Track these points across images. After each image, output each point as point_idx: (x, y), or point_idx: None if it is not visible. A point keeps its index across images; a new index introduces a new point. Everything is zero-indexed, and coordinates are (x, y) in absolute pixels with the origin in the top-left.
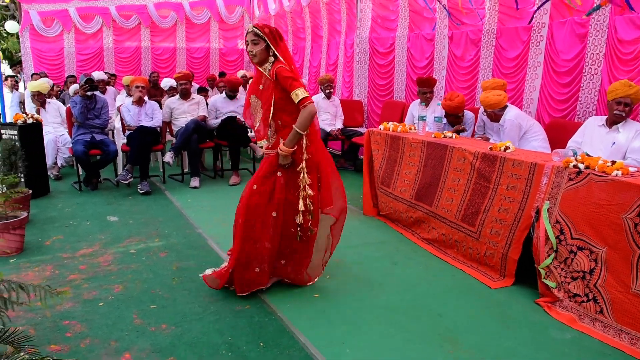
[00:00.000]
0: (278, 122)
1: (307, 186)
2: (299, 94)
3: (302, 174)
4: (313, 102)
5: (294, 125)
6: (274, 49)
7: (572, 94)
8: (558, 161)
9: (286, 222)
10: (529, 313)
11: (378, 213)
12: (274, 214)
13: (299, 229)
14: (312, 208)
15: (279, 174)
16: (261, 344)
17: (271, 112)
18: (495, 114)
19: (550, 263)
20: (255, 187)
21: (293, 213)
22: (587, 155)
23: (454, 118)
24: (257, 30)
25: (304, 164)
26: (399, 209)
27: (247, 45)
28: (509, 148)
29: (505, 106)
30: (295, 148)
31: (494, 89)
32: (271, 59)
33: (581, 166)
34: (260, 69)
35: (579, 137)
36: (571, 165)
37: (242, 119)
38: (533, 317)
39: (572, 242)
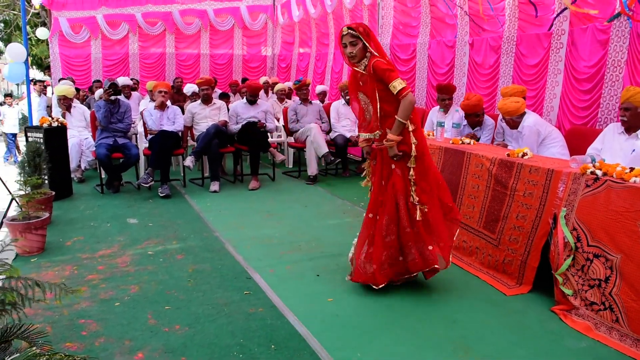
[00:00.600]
0: (382, 112)
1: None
2: (396, 85)
3: (411, 162)
4: (411, 91)
5: (396, 116)
6: (368, 45)
7: (593, 101)
8: (576, 168)
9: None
10: (545, 321)
11: None
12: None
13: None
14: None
15: (392, 166)
16: (272, 346)
17: (378, 104)
18: (513, 121)
19: (568, 268)
20: (383, 183)
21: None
22: (605, 162)
23: (473, 118)
24: (353, 31)
25: (414, 151)
26: None
27: (344, 47)
28: (527, 154)
29: (524, 113)
30: (400, 137)
31: (513, 96)
32: (368, 54)
33: (599, 173)
34: (357, 67)
35: (598, 144)
36: (589, 171)
37: (263, 123)
38: (548, 325)
39: (589, 249)
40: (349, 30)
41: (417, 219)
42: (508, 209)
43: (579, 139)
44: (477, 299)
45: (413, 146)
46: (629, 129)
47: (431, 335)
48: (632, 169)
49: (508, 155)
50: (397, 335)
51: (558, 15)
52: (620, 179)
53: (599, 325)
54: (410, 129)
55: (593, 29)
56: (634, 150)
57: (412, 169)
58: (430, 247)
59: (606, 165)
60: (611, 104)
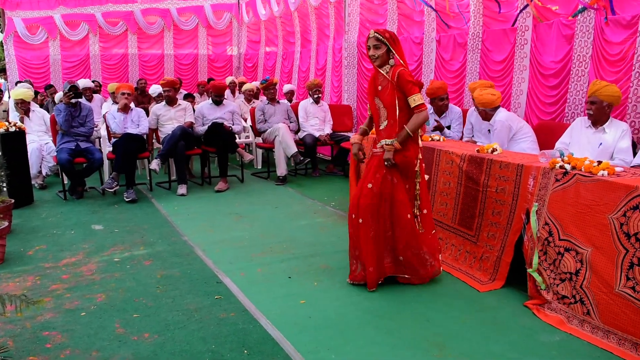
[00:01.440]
0: (400, 120)
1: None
2: (416, 99)
3: (416, 176)
4: (427, 110)
5: (405, 126)
6: (394, 51)
7: (560, 97)
8: (545, 162)
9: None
10: (518, 316)
11: None
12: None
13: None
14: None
15: (395, 180)
16: (245, 351)
17: (397, 112)
18: (486, 113)
19: (540, 262)
20: (370, 186)
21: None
22: (573, 155)
23: (438, 102)
24: (379, 35)
25: (418, 165)
26: None
27: (368, 49)
28: (496, 150)
29: (497, 107)
30: (400, 147)
31: (486, 88)
32: (391, 61)
33: (567, 167)
34: (380, 71)
35: (566, 138)
36: (557, 166)
37: (229, 125)
38: (522, 320)
39: (560, 243)
40: (375, 34)
41: (420, 230)
42: (483, 205)
43: (547, 134)
44: (451, 296)
45: (418, 162)
46: (596, 122)
47: (405, 334)
48: (599, 162)
49: (478, 151)
50: (372, 336)
51: (521, 11)
52: (589, 172)
53: (571, 319)
54: (420, 144)
55: (558, 24)
56: (600, 143)
57: (418, 184)
58: (427, 257)
59: (574, 159)
60: (577, 98)
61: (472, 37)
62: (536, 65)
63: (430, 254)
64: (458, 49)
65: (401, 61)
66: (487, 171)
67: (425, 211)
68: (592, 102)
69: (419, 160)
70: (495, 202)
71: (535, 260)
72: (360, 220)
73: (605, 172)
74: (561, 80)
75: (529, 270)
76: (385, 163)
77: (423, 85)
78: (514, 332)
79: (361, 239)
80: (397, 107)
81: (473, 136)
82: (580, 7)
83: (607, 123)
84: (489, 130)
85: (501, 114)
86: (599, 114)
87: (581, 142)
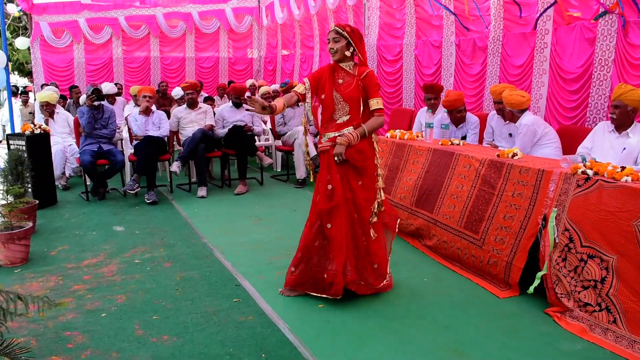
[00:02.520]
0: (364, 117)
1: (381, 190)
2: (378, 102)
3: (379, 180)
4: (384, 116)
5: (364, 124)
6: (355, 47)
7: (581, 101)
8: (566, 167)
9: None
10: (538, 324)
11: None
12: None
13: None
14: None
15: (360, 182)
16: (263, 355)
17: (361, 107)
18: (513, 114)
19: (560, 269)
20: (330, 187)
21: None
22: (596, 161)
23: (456, 114)
24: (338, 29)
25: (379, 170)
26: (400, 216)
27: (329, 42)
28: (517, 155)
29: (525, 109)
30: (357, 142)
31: (516, 89)
32: (351, 55)
33: (590, 172)
34: (341, 65)
35: (588, 143)
36: (579, 171)
37: (250, 126)
38: (542, 328)
39: (582, 250)
40: (335, 27)
41: (373, 237)
42: (494, 209)
43: (569, 138)
44: (470, 303)
45: (379, 167)
46: (619, 127)
47: (424, 341)
48: (623, 168)
49: (498, 155)
50: (389, 342)
51: (542, 13)
52: (612, 178)
53: (594, 327)
54: (377, 149)
55: (580, 27)
56: (624, 148)
57: (381, 190)
58: (376, 266)
59: (597, 165)
60: (600, 103)
61: (493, 41)
62: (556, 69)
63: (381, 265)
64: (478, 53)
65: (361, 58)
66: (505, 176)
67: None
68: (616, 106)
69: (379, 165)
70: (509, 206)
71: (546, 265)
72: (329, 225)
73: (629, 178)
74: (582, 85)
75: (538, 273)
76: (335, 159)
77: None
78: (535, 340)
79: (333, 243)
80: (362, 104)
81: (493, 140)
82: (601, 10)
83: (630, 127)
84: (510, 134)
85: (527, 117)
86: (623, 119)
87: (604, 147)
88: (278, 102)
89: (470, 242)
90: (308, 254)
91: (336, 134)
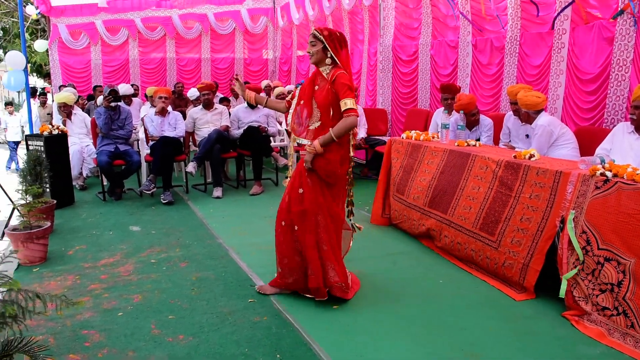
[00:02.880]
0: (334, 123)
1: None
2: (347, 102)
3: (349, 187)
4: (357, 116)
5: (330, 129)
6: (332, 52)
7: (598, 102)
8: (585, 169)
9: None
10: (555, 327)
11: (389, 223)
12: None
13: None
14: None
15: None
16: (278, 356)
17: (331, 112)
18: (529, 115)
19: (578, 272)
20: (301, 191)
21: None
22: (615, 162)
23: (469, 117)
24: (316, 32)
25: (351, 175)
26: (412, 216)
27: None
28: (534, 156)
29: (541, 110)
30: (322, 150)
31: (531, 90)
32: (329, 61)
33: (609, 174)
34: (320, 70)
35: (607, 144)
36: (598, 173)
37: (265, 127)
38: (559, 331)
39: (600, 252)
40: (313, 31)
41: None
42: (511, 211)
43: (587, 139)
44: (486, 305)
45: (350, 170)
46: (637, 128)
47: (439, 343)
48: None
49: (515, 157)
50: (404, 343)
51: (560, 13)
52: (632, 180)
53: (612, 331)
54: (351, 153)
55: (599, 26)
56: None
57: (351, 193)
58: (335, 267)
59: (616, 166)
60: (618, 104)
61: (510, 41)
62: (573, 70)
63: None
64: (495, 53)
65: (340, 64)
66: (522, 177)
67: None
68: (636, 106)
69: (350, 169)
70: (526, 208)
71: (574, 271)
72: (296, 228)
73: None
74: (600, 85)
75: (563, 276)
76: (304, 164)
77: (357, 90)
78: (552, 343)
79: (306, 246)
80: (332, 109)
81: (510, 141)
82: (619, 9)
83: None
84: (526, 135)
85: (543, 118)
86: None
87: (623, 148)
88: (262, 98)
89: (486, 244)
90: (284, 253)
91: (305, 142)
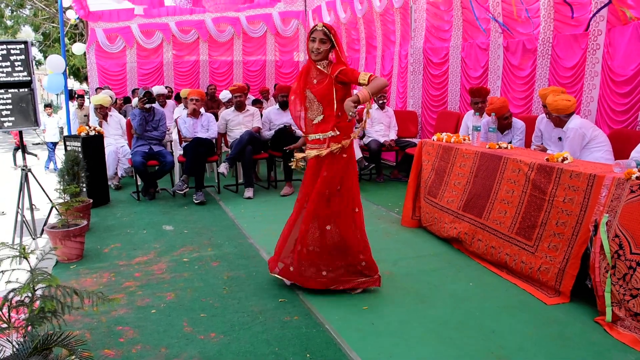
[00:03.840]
0: (338, 112)
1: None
2: (363, 75)
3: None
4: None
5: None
6: (338, 49)
7: (632, 104)
8: (619, 172)
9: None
10: (588, 332)
11: (419, 225)
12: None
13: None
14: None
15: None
16: (308, 355)
17: (335, 104)
18: (560, 119)
19: (611, 284)
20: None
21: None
22: None
23: (502, 121)
24: (327, 31)
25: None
26: (444, 219)
27: (313, 41)
28: (567, 159)
29: (572, 113)
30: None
31: (561, 94)
32: (329, 57)
33: None
34: (317, 65)
35: None
36: (634, 177)
37: (294, 129)
38: (592, 336)
39: (632, 257)
40: (323, 28)
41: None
42: (547, 215)
43: (622, 142)
44: (516, 308)
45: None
46: None
47: (469, 346)
48: None
49: (547, 160)
50: (434, 346)
51: (595, 14)
52: None
53: None
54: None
55: (636, 26)
56: None
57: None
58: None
59: None
60: None
61: (542, 43)
62: (608, 72)
63: None
64: (527, 55)
65: (342, 59)
66: (556, 180)
67: (328, 227)
68: None
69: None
70: (561, 212)
71: (608, 284)
72: (329, 227)
73: None
74: (634, 87)
75: (605, 291)
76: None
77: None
78: (584, 349)
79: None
80: (335, 100)
81: (542, 143)
82: None
83: None
84: (559, 138)
85: (575, 121)
86: None
87: None
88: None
89: (522, 249)
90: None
91: (318, 136)
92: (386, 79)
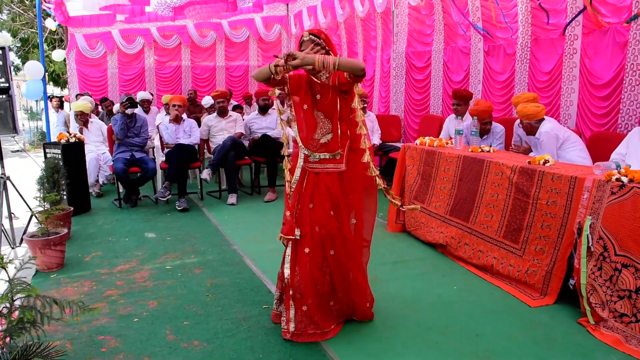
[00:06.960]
0: (341, 129)
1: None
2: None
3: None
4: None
5: (338, 55)
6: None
7: (611, 108)
8: (600, 174)
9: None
10: (572, 334)
11: (403, 229)
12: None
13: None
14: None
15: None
16: None
17: (338, 121)
18: (531, 126)
19: (595, 278)
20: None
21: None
22: (630, 168)
23: (482, 125)
24: (314, 37)
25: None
26: (430, 224)
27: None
28: (548, 162)
29: (542, 119)
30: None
31: (530, 101)
32: None
33: (624, 179)
34: (314, 79)
35: (622, 149)
36: (614, 178)
37: (274, 136)
38: (576, 338)
39: (617, 259)
40: (310, 36)
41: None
42: (531, 218)
43: (602, 144)
44: (501, 312)
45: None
46: None
47: (454, 349)
48: None
49: (529, 162)
50: (420, 350)
51: (571, 21)
52: None
53: (630, 338)
54: (364, 132)
55: (612, 31)
56: None
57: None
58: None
59: (632, 172)
60: (632, 109)
61: (521, 47)
62: (586, 75)
63: None
64: (507, 59)
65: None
66: (538, 183)
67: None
68: None
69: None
70: (545, 215)
71: (584, 274)
72: (332, 252)
73: None
74: (613, 90)
75: (580, 291)
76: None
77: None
78: (568, 350)
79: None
80: (339, 113)
81: (521, 144)
82: (634, 13)
83: None
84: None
85: (546, 125)
86: None
87: (639, 153)
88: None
89: (510, 252)
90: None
91: (325, 155)
92: (364, 67)
